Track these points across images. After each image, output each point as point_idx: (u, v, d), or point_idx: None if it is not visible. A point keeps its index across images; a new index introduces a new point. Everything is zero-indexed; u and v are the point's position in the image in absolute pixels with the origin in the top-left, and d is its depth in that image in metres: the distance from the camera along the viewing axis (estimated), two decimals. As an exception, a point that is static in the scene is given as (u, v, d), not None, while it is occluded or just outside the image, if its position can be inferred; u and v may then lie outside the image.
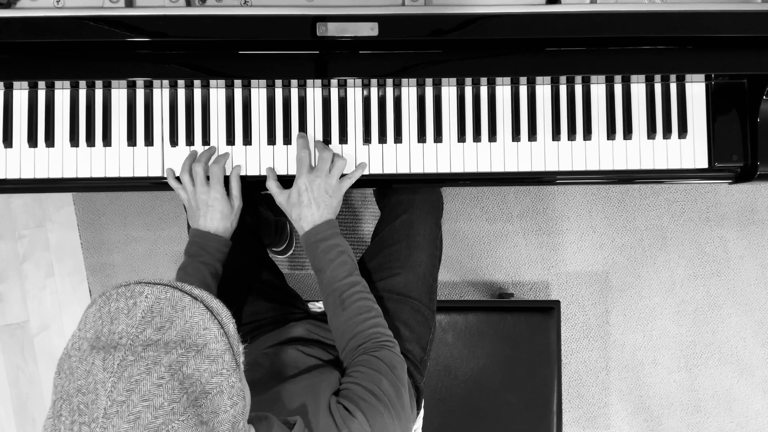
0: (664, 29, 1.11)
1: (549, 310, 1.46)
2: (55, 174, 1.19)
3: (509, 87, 1.21)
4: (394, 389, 0.96)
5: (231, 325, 0.71)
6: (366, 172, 1.20)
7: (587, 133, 1.22)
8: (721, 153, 1.21)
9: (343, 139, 1.21)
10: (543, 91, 1.21)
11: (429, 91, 1.21)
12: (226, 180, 1.17)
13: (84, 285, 2.02)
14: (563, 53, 1.14)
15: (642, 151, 1.22)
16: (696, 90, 1.22)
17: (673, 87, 1.22)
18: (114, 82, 1.18)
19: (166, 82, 1.18)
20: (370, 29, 1.09)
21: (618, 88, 1.22)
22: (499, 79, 1.20)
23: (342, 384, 0.98)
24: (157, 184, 1.20)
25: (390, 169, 1.21)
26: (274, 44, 1.12)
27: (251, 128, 1.20)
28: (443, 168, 1.21)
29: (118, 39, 1.09)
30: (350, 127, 1.21)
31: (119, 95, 1.19)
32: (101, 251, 2.01)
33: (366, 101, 1.21)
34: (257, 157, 1.20)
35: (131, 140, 1.19)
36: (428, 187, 1.29)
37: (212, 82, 1.19)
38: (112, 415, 0.60)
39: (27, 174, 1.19)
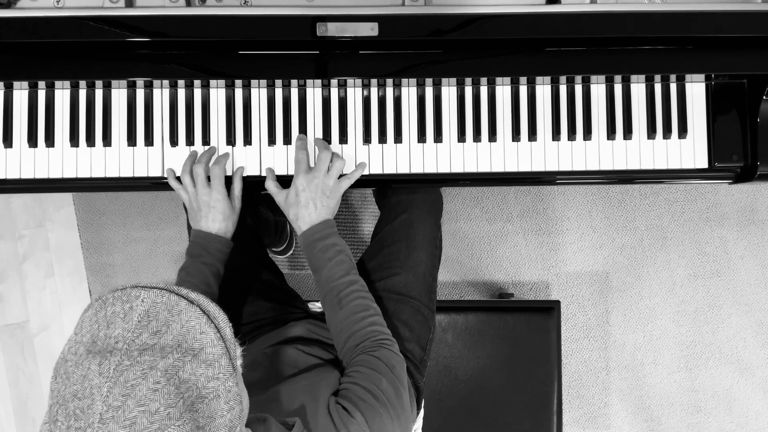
0: (664, 29, 1.11)
1: (549, 310, 1.46)
2: (55, 174, 1.19)
3: (509, 87, 1.21)
4: (393, 389, 0.96)
5: (228, 329, 0.70)
6: (366, 172, 1.20)
7: (587, 133, 1.22)
8: (721, 153, 1.21)
9: (343, 139, 1.21)
10: (543, 91, 1.21)
11: (429, 91, 1.21)
12: (227, 180, 1.17)
13: (84, 285, 2.02)
14: (563, 53, 1.14)
15: (642, 151, 1.22)
16: (696, 90, 1.22)
17: (673, 87, 1.22)
18: (114, 82, 1.18)
19: (166, 82, 1.18)
20: (370, 29, 1.09)
21: (618, 88, 1.22)
22: (499, 79, 1.20)
23: (341, 384, 0.98)
24: (157, 184, 1.20)
25: (390, 169, 1.21)
26: (274, 44, 1.12)
27: (251, 128, 1.20)
28: (443, 168, 1.21)
29: (118, 39, 1.08)
30: (350, 127, 1.21)
31: (119, 95, 1.19)
32: (101, 251, 2.01)
33: (366, 101, 1.21)
34: (257, 158, 1.20)
35: (131, 140, 1.19)
36: (428, 187, 1.29)
37: (212, 82, 1.19)
38: (107, 420, 0.60)
39: (27, 174, 1.19)
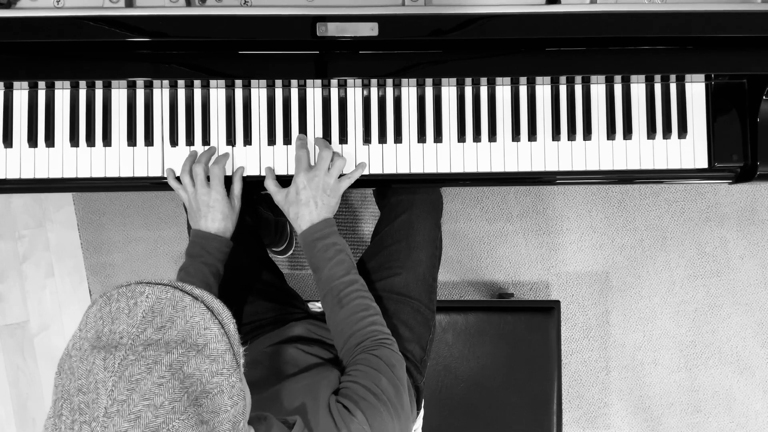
0: (663, 29, 1.11)
1: (549, 310, 1.46)
2: (55, 174, 1.19)
3: (509, 87, 1.21)
4: (394, 388, 0.96)
5: (231, 325, 0.71)
6: (366, 172, 1.20)
7: (587, 133, 1.22)
8: (721, 153, 1.21)
9: (343, 139, 1.21)
10: (543, 91, 1.21)
11: (429, 91, 1.21)
12: (227, 180, 1.17)
13: (84, 285, 2.02)
14: (563, 53, 1.14)
15: (642, 151, 1.22)
16: (696, 90, 1.22)
17: (673, 87, 1.22)
18: (114, 82, 1.18)
19: (166, 82, 1.19)
20: (370, 29, 1.09)
21: (618, 88, 1.22)
22: (499, 79, 1.20)
23: (341, 383, 0.98)
24: (157, 184, 1.20)
25: (390, 169, 1.21)
26: (274, 44, 1.12)
27: (251, 128, 1.20)
28: (443, 168, 1.21)
29: (118, 39, 1.09)
30: (350, 127, 1.21)
31: (119, 95, 1.19)
32: (101, 251, 2.01)
33: (366, 101, 1.21)
34: (257, 158, 1.20)
35: (131, 140, 1.19)
36: (428, 187, 1.29)
37: (212, 82, 1.19)
38: (112, 414, 0.60)
39: (27, 174, 1.19)
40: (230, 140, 1.20)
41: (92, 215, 2.00)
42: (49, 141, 1.19)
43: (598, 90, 1.22)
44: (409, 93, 1.21)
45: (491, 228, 2.00)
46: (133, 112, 1.19)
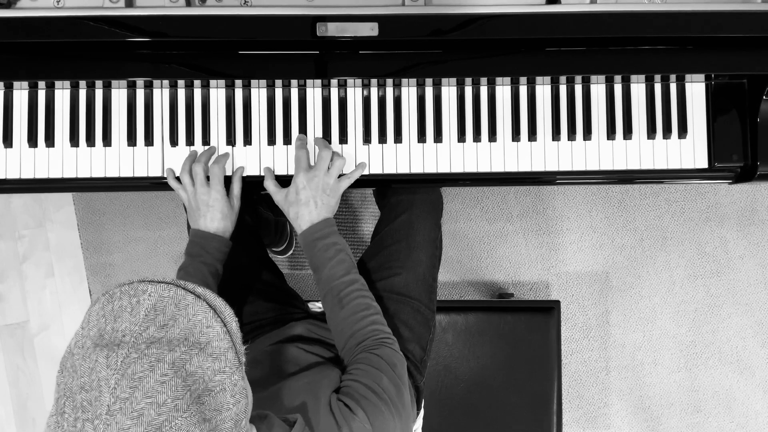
0: (663, 29, 1.11)
1: (549, 310, 1.46)
2: (55, 174, 1.19)
3: (509, 87, 1.21)
4: (395, 387, 0.96)
5: (234, 324, 0.71)
6: (366, 172, 1.20)
7: (587, 133, 1.22)
8: (721, 153, 1.21)
9: (343, 139, 1.21)
10: (543, 91, 1.21)
11: (429, 91, 1.21)
12: (227, 180, 1.17)
13: (84, 285, 2.02)
14: (563, 53, 1.14)
15: (642, 151, 1.22)
16: (696, 90, 1.22)
17: (673, 87, 1.22)
18: (114, 82, 1.18)
19: (166, 82, 1.19)
20: (370, 29, 1.09)
21: (618, 88, 1.22)
22: (499, 79, 1.20)
23: (342, 381, 0.98)
24: (157, 184, 1.20)
25: (390, 169, 1.21)
26: (274, 44, 1.12)
27: (251, 128, 1.20)
28: (443, 168, 1.21)
29: (118, 39, 1.09)
30: (350, 127, 1.21)
31: (119, 95, 1.19)
32: (101, 251, 2.01)
33: (366, 101, 1.21)
34: (257, 157, 1.20)
35: (131, 140, 1.19)
36: (428, 187, 1.29)
37: (212, 82, 1.19)
38: (115, 411, 0.60)
39: (27, 174, 1.19)
40: (230, 140, 1.20)
41: (92, 215, 2.00)
42: (49, 141, 1.19)
43: (598, 90, 1.22)
44: (409, 93, 1.21)
45: (491, 228, 2.00)
46: (133, 112, 1.19)
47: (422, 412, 1.29)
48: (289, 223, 1.96)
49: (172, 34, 1.09)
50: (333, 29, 1.08)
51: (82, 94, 1.19)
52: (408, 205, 1.27)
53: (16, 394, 1.99)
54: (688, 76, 1.21)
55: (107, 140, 1.19)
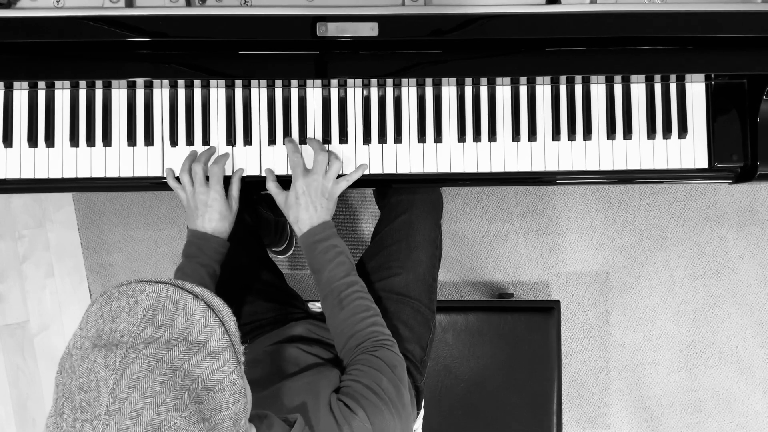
0: (663, 29, 1.11)
1: (549, 310, 1.46)
2: (55, 174, 1.19)
3: (509, 87, 1.21)
4: (395, 387, 0.96)
5: (232, 323, 0.71)
6: (366, 172, 1.20)
7: (587, 133, 1.22)
8: (721, 153, 1.21)
9: (343, 139, 1.21)
10: (543, 91, 1.21)
11: (429, 91, 1.21)
12: (226, 180, 1.17)
13: (84, 285, 2.02)
14: (563, 53, 1.14)
15: (642, 151, 1.22)
16: (696, 90, 1.22)
17: (673, 87, 1.22)
18: (114, 82, 1.18)
19: (166, 82, 1.19)
20: (370, 29, 1.09)
21: (618, 88, 1.22)
22: (499, 79, 1.20)
23: (342, 382, 0.98)
24: (157, 184, 1.20)
25: (390, 169, 1.21)
26: (274, 44, 1.12)
27: (251, 128, 1.20)
28: (443, 168, 1.21)
29: (118, 39, 1.09)
30: (350, 127, 1.21)
31: (119, 95, 1.19)
32: (101, 251, 2.01)
33: (366, 101, 1.21)
34: (257, 158, 1.20)
35: (131, 140, 1.19)
36: (428, 187, 1.29)
37: (212, 82, 1.19)
38: (114, 411, 0.60)
39: (27, 174, 1.19)
40: (230, 140, 1.20)
41: (92, 215, 2.00)
42: (49, 141, 1.19)
43: (598, 90, 1.22)
44: (409, 93, 1.21)
45: (491, 228, 2.00)
46: (133, 112, 1.19)
47: (422, 412, 1.29)
48: (289, 223, 1.96)
49: (172, 34, 1.09)
50: (333, 29, 1.08)
51: (82, 94, 1.19)
52: (408, 205, 1.27)
53: (16, 394, 1.99)
54: (688, 76, 1.21)
55: (107, 140, 1.19)
